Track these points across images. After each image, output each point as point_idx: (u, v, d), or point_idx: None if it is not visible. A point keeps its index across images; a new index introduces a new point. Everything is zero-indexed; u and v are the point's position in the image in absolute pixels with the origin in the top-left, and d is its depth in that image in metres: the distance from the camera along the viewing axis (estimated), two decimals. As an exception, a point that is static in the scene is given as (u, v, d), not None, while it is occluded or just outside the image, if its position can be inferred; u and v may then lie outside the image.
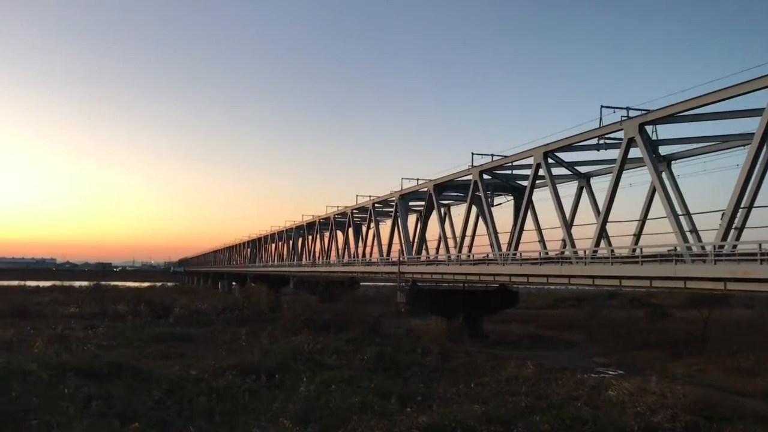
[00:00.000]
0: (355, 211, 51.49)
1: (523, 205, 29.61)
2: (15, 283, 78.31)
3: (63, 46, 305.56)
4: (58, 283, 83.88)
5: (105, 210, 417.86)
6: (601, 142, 24.95)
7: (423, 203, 40.12)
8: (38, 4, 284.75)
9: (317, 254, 62.68)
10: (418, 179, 40.10)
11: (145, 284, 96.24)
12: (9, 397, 14.83)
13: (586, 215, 30.86)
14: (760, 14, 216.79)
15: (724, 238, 18.74)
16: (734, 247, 18.96)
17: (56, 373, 17.46)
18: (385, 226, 48.04)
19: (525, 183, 30.90)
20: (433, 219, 39.29)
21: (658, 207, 23.47)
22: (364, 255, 50.52)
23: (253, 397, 16.68)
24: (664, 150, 25.04)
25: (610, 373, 26.03)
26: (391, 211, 44.23)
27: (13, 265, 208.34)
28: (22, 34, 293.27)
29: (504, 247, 31.15)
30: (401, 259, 39.44)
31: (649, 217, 26.22)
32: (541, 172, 27.38)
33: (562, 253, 27.07)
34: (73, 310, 42.72)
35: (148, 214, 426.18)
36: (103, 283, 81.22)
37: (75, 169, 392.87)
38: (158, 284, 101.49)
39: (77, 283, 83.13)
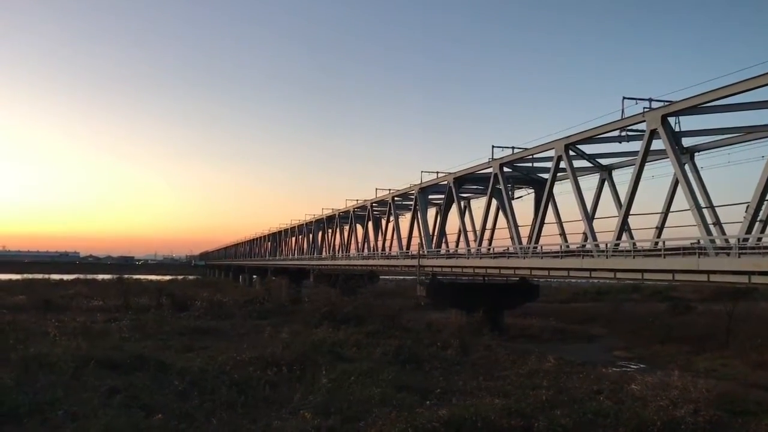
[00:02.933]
0: (374, 204, 51.47)
1: (544, 198, 29.40)
2: (39, 276, 79.34)
3: (85, 44, 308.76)
4: (81, 276, 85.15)
5: (127, 204, 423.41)
6: (623, 134, 24.68)
7: (443, 196, 39.98)
8: (61, 2, 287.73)
9: (337, 247, 62.81)
10: (438, 172, 40.03)
11: (167, 277, 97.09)
12: (34, 388, 15.06)
13: (607, 208, 30.57)
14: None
15: (749, 230, 18.48)
16: (759, 240, 18.68)
17: (81, 364, 17.69)
18: (405, 220, 47.98)
19: (546, 176, 30.66)
20: (453, 212, 39.17)
21: (680, 199, 23.21)
22: (383, 248, 50.50)
23: (274, 389, 16.78)
24: (687, 142, 24.69)
25: (633, 367, 25.85)
26: (411, 205, 44.15)
27: (37, 258, 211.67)
28: (47, 32, 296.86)
29: (524, 241, 30.99)
30: (421, 252, 39.38)
31: (671, 209, 25.93)
32: (563, 164, 27.16)
33: (584, 246, 26.85)
34: (97, 303, 43.26)
35: (170, 208, 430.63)
36: (125, 276, 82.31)
37: (97, 164, 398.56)
38: (180, 277, 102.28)
39: (100, 277, 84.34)
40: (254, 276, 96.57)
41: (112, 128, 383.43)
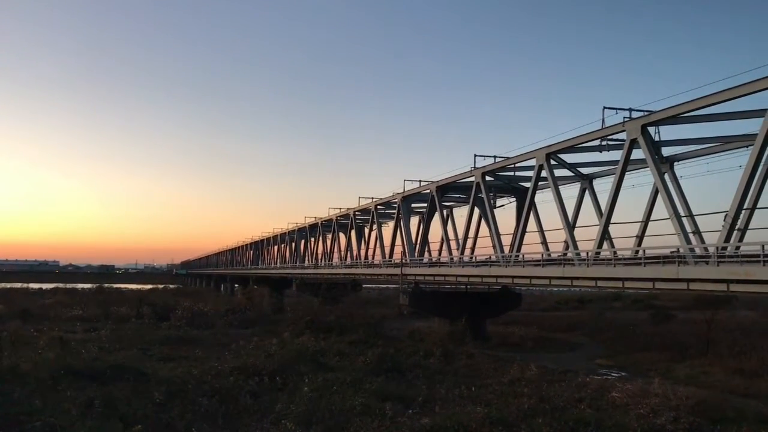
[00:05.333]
0: (357, 212, 51.40)
1: (526, 207, 29.55)
2: (18, 285, 78.31)
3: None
4: (61, 285, 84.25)
5: (107, 212, 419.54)
6: (604, 143, 24.90)
7: (425, 205, 40.05)
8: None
9: (320, 256, 62.64)
10: (420, 181, 40.11)
11: (148, 286, 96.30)
12: (11, 399, 14.83)
13: (588, 217, 30.80)
14: (762, 15, 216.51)
15: (727, 239, 18.68)
16: (737, 248, 18.89)
17: (59, 375, 17.49)
18: (388, 228, 47.98)
19: (527, 184, 30.84)
20: (436, 221, 39.28)
21: (660, 208, 23.43)
22: (366, 257, 50.43)
23: (256, 399, 16.67)
24: (666, 151, 24.97)
25: (614, 375, 25.96)
26: (394, 213, 44.16)
27: (16, 267, 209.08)
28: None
29: (506, 249, 31.09)
30: (404, 260, 39.38)
31: (651, 218, 26.16)
32: (544, 173, 27.32)
33: (565, 254, 27.00)
34: (77, 312, 42.81)
35: (150, 216, 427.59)
36: (105, 285, 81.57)
37: (77, 172, 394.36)
38: (161, 286, 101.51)
39: (80, 286, 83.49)
40: (236, 285, 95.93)
41: (91, 134, 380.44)
